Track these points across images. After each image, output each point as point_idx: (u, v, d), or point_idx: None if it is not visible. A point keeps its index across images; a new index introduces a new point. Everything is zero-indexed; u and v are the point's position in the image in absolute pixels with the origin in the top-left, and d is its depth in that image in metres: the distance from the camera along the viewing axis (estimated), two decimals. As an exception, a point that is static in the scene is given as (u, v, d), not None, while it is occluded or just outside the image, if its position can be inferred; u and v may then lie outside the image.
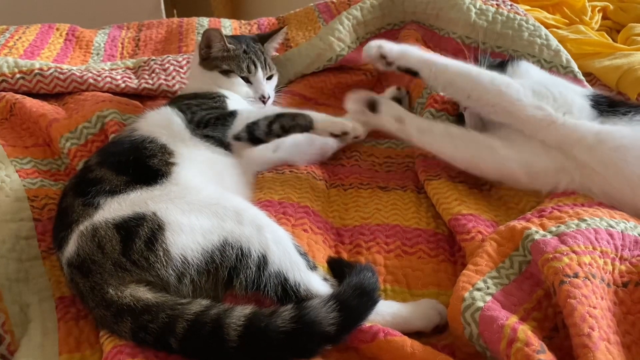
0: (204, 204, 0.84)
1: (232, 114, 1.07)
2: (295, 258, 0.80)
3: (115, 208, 0.83)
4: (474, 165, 1.02)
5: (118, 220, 0.81)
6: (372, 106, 1.07)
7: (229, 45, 1.21)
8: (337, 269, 0.86)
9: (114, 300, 0.75)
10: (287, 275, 0.78)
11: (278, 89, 1.33)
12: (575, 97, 1.00)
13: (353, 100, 1.10)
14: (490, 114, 1.01)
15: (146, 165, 0.93)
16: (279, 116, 1.04)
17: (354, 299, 0.74)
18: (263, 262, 0.78)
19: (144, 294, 0.76)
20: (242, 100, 1.20)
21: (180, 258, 0.77)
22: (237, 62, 1.22)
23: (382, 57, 1.04)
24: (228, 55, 1.22)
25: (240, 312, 0.72)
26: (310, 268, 0.81)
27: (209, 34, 1.21)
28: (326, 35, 1.45)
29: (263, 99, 1.22)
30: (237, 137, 1.05)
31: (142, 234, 0.79)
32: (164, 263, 0.77)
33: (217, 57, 1.22)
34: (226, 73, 1.21)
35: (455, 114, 1.20)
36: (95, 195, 0.86)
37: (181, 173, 0.92)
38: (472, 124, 1.13)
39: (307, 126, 1.04)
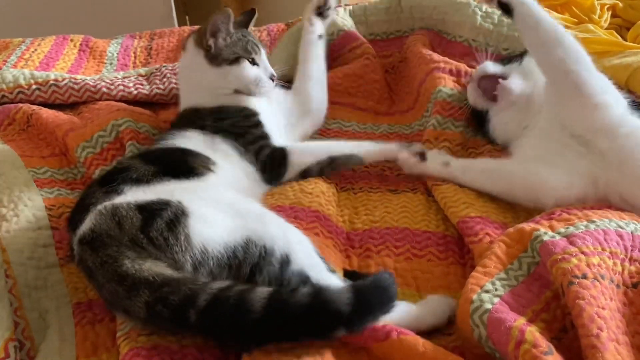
0: (229, 202, 0.85)
1: (284, 157, 1.10)
2: (316, 259, 0.81)
3: (139, 195, 0.83)
4: (511, 195, 1.03)
5: (141, 203, 0.81)
6: (422, 156, 1.14)
7: (231, 30, 1.16)
8: (353, 280, 0.85)
9: (130, 273, 0.74)
10: (310, 274, 0.79)
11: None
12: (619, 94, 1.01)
13: (406, 152, 1.15)
14: (550, 69, 0.99)
15: (184, 161, 0.94)
16: (331, 161, 1.10)
17: (370, 290, 0.74)
18: (286, 260, 0.79)
19: (164, 269, 0.74)
20: (265, 105, 1.18)
21: (200, 247, 0.77)
22: (242, 45, 1.16)
23: None
24: (232, 41, 1.16)
25: (263, 289, 0.72)
26: (330, 271, 0.82)
27: (215, 20, 1.13)
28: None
29: (272, 78, 1.18)
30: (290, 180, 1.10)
31: (165, 216, 0.78)
32: (183, 248, 0.76)
33: (222, 47, 1.14)
34: (236, 61, 1.15)
35: (461, 118, 1.21)
36: (120, 182, 0.87)
37: (212, 179, 0.95)
38: (474, 100, 1.16)
39: (358, 165, 1.14)
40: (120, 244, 0.76)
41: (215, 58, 1.15)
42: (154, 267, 0.74)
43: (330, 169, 1.10)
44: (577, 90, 0.95)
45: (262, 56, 1.20)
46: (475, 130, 1.22)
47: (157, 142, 1.11)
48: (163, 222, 0.78)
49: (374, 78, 1.44)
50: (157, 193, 0.84)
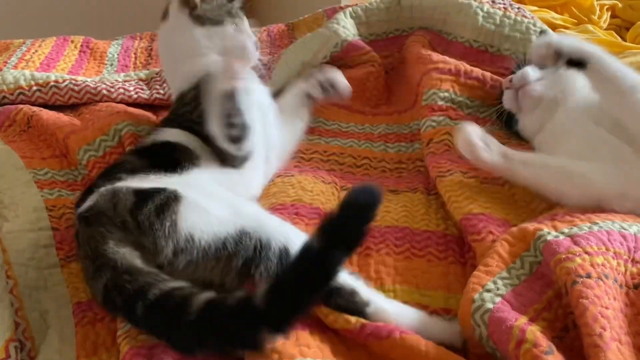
0: (224, 195, 0.85)
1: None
2: None
3: (137, 182, 0.86)
4: (561, 196, 0.96)
5: (139, 188, 0.83)
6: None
7: None
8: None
9: (106, 253, 0.76)
10: None
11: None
12: None
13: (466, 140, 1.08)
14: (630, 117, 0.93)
15: (170, 154, 0.95)
16: None
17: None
18: (285, 253, 0.78)
19: (135, 258, 0.76)
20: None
21: (185, 234, 0.77)
22: (227, 9, 1.13)
23: (557, 53, 0.97)
24: (217, 4, 1.12)
25: (207, 295, 0.70)
26: None
27: None
28: (331, 24, 1.46)
29: (256, 47, 1.15)
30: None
31: (157, 199, 0.79)
32: (166, 233, 0.77)
33: (207, 8, 1.10)
34: (220, 23, 1.10)
35: (456, 118, 1.22)
36: (117, 172, 0.90)
37: (198, 174, 0.95)
38: (510, 105, 1.17)
39: None
40: (111, 224, 0.79)
41: (199, 17, 1.10)
42: (127, 255, 0.76)
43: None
44: None
45: (245, 24, 1.16)
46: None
47: (147, 135, 1.12)
48: (153, 205, 0.79)
49: (375, 85, 1.44)
50: (153, 182, 0.86)
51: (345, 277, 0.79)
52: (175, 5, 1.13)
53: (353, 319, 0.75)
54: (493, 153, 1.02)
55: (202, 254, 0.77)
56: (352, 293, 0.77)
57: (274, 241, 0.78)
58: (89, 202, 0.85)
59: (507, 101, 1.18)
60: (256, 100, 1.09)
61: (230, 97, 0.94)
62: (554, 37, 1.02)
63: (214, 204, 0.82)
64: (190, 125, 1.03)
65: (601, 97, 1.00)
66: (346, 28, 1.46)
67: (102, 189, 0.85)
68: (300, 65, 1.44)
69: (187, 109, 1.06)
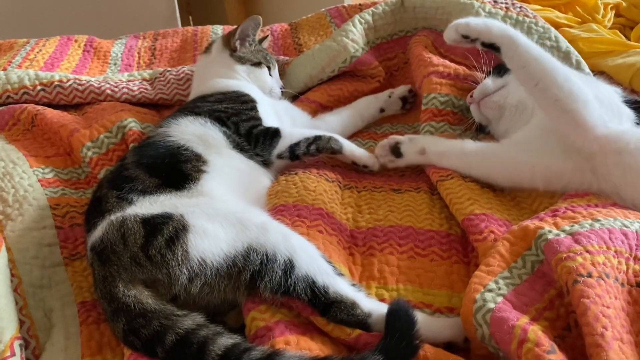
0: (230, 212, 0.86)
1: (277, 134, 1.15)
2: (322, 263, 0.82)
3: (146, 206, 0.87)
4: (487, 177, 1.06)
5: (147, 216, 0.84)
6: (396, 150, 1.15)
7: (256, 38, 1.34)
8: None
9: (119, 296, 0.78)
10: (315, 278, 0.79)
11: (293, 96, 1.40)
12: (622, 105, 0.99)
13: (380, 149, 1.17)
14: (546, 108, 0.96)
15: (178, 169, 0.98)
16: (316, 138, 1.15)
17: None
18: (290, 266, 0.80)
19: (146, 298, 0.78)
20: (263, 96, 1.28)
21: (198, 260, 0.80)
22: (263, 55, 1.36)
23: (464, 37, 0.98)
24: (256, 49, 1.35)
25: (224, 341, 0.73)
26: (337, 274, 0.82)
27: (246, 25, 1.33)
28: (340, 37, 1.45)
29: (281, 89, 1.38)
30: (280, 156, 1.14)
31: (166, 232, 0.81)
32: (180, 262, 0.79)
33: (247, 51, 1.33)
34: (258, 65, 1.33)
35: (456, 123, 1.23)
36: (128, 192, 0.91)
37: (208, 181, 0.96)
38: (479, 119, 1.19)
39: (337, 151, 1.16)
40: (120, 263, 0.81)
41: (241, 57, 1.33)
42: (138, 295, 0.79)
43: (315, 149, 1.14)
44: (577, 127, 0.92)
45: (275, 69, 1.40)
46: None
47: (151, 132, 1.16)
48: (163, 239, 0.81)
49: None
50: (162, 205, 0.88)
51: (346, 289, 0.80)
52: (219, 45, 1.37)
53: (349, 329, 0.76)
54: (410, 154, 1.13)
55: (215, 274, 0.80)
56: (353, 305, 0.78)
57: (279, 254, 0.80)
58: (99, 232, 0.86)
59: (475, 115, 1.21)
60: (275, 109, 1.27)
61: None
62: (465, 20, 0.98)
63: (221, 223, 0.84)
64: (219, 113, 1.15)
65: (518, 81, 1.01)
66: (355, 42, 1.45)
67: (112, 217, 0.86)
68: (308, 78, 1.46)
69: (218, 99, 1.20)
